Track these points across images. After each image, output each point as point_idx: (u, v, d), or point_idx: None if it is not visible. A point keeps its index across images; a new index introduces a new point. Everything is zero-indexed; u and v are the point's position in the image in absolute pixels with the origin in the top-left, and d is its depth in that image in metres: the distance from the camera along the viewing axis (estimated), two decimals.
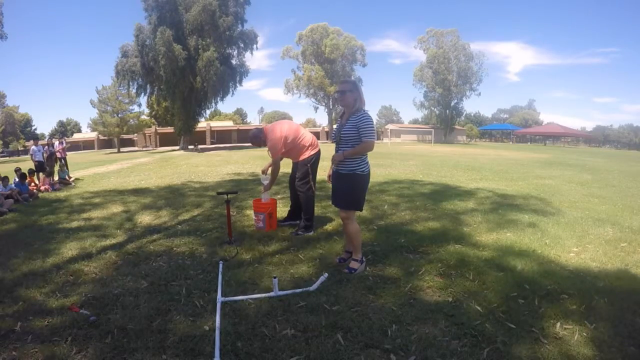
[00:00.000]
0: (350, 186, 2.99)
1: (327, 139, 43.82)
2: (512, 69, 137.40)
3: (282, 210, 4.84)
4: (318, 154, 4.15)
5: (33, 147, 11.42)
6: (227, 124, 52.08)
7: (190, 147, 31.02)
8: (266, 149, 4.11)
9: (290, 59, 43.40)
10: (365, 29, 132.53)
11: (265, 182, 4.28)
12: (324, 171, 3.69)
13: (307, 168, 4.01)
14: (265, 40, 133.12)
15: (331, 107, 42.51)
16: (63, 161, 11.57)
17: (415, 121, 69.32)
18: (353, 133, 2.90)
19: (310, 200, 4.08)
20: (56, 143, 12.44)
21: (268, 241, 3.81)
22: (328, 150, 3.42)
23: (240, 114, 72.33)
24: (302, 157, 4.06)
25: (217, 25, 28.16)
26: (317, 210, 5.14)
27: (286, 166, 4.19)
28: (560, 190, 7.30)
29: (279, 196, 6.15)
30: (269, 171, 4.24)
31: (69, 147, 13.03)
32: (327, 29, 40.51)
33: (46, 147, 11.69)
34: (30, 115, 63.85)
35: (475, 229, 4.27)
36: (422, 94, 44.60)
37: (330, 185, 3.23)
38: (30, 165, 10.72)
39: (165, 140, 41.41)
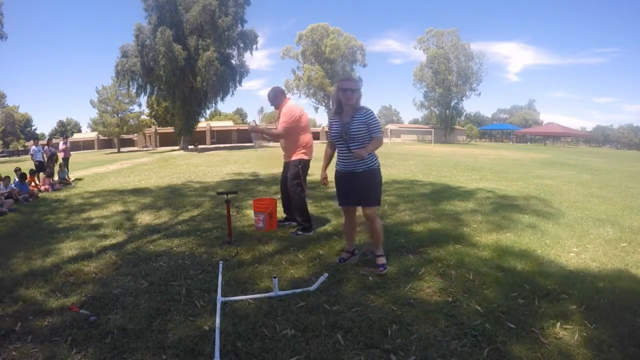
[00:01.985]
0: (373, 182, 2.98)
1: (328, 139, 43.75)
2: (512, 69, 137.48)
3: (282, 210, 4.84)
4: (309, 161, 4.15)
5: (33, 147, 11.42)
6: (227, 124, 52.09)
7: (190, 147, 31.02)
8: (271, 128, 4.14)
9: (290, 59, 43.41)
10: (365, 29, 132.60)
11: (258, 141, 4.15)
12: (317, 170, 3.64)
13: (297, 169, 4.01)
14: (265, 40, 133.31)
15: (331, 107, 42.51)
16: (65, 161, 11.56)
17: (415, 121, 69.34)
18: (363, 130, 2.89)
19: (303, 201, 4.08)
20: (60, 143, 12.45)
21: (268, 241, 3.81)
22: (324, 150, 3.39)
23: (240, 114, 72.29)
24: (294, 157, 4.04)
25: (217, 25, 28.20)
26: (317, 210, 5.15)
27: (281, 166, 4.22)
28: (560, 191, 7.30)
29: (278, 196, 6.14)
30: (265, 125, 4.23)
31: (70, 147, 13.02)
32: (328, 29, 40.51)
33: (46, 147, 11.68)
34: (30, 115, 63.94)
35: (475, 229, 4.26)
36: (422, 94, 44.60)
37: (333, 186, 3.18)
38: (31, 165, 10.72)
39: (165, 140, 41.41)
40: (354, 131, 2.90)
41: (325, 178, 3.26)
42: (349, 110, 2.95)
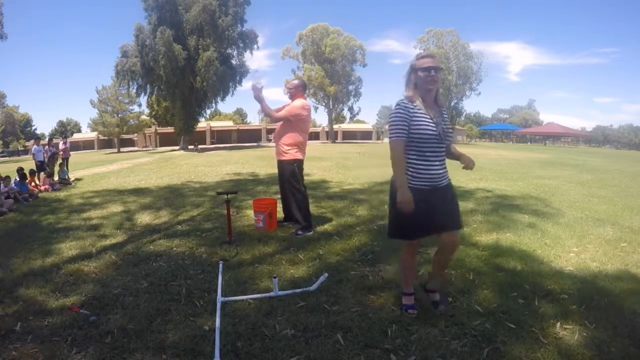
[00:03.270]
0: (456, 197, 2.32)
1: (328, 139, 43.76)
2: (512, 69, 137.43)
3: (282, 210, 4.84)
4: (303, 160, 4.17)
5: (35, 146, 11.41)
6: (227, 124, 52.11)
7: (190, 147, 31.02)
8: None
9: (290, 59, 43.31)
10: (365, 29, 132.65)
11: (258, 82, 3.97)
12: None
13: (293, 167, 4.03)
14: (266, 40, 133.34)
15: (331, 106, 42.46)
16: (65, 161, 11.56)
17: None
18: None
19: (305, 200, 4.09)
20: (60, 143, 12.44)
21: (268, 241, 3.81)
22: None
23: (240, 114, 72.32)
24: (288, 157, 4.03)
25: (217, 25, 28.18)
26: (316, 210, 5.15)
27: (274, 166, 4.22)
28: (560, 190, 7.29)
29: (278, 196, 6.14)
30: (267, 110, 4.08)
31: (69, 147, 13.02)
32: (328, 29, 40.45)
33: (46, 147, 11.67)
34: (30, 115, 63.77)
35: (475, 229, 4.26)
36: None
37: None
38: (31, 165, 10.71)
39: (165, 140, 41.40)
40: (449, 132, 2.24)
41: (403, 199, 2.12)
42: (430, 99, 2.22)
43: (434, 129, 2.14)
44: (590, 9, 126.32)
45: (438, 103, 2.26)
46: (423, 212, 2.13)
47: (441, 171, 2.22)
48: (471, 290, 2.65)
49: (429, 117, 2.15)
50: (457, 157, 2.33)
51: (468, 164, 2.24)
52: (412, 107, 2.16)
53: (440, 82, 2.23)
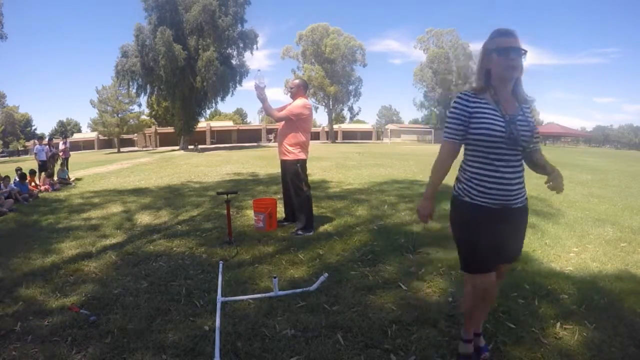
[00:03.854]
0: (526, 221, 1.90)
1: (328, 139, 43.79)
2: None
3: (282, 210, 4.84)
4: (306, 160, 4.17)
5: (37, 146, 11.40)
6: (227, 124, 52.19)
7: (190, 147, 31.05)
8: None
9: (290, 59, 43.42)
10: (365, 29, 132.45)
11: (261, 82, 3.92)
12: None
13: (297, 168, 4.03)
14: (266, 40, 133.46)
15: (331, 106, 42.46)
16: (66, 161, 11.55)
17: (415, 121, 69.18)
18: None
19: (307, 200, 4.09)
20: (60, 143, 12.43)
21: (268, 241, 3.81)
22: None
23: (240, 114, 72.34)
24: (291, 157, 4.04)
25: (217, 25, 28.23)
26: (316, 211, 5.14)
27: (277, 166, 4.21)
28: None
29: (278, 196, 6.15)
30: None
31: (69, 147, 13.00)
32: (328, 29, 40.51)
33: (46, 147, 11.66)
34: (30, 115, 63.89)
35: None
36: (422, 94, 44.71)
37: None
38: (32, 164, 10.70)
39: (165, 140, 41.45)
40: (526, 135, 1.67)
41: (433, 211, 1.83)
42: (506, 91, 1.69)
43: (502, 128, 1.60)
44: (590, 9, 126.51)
45: (518, 97, 1.70)
46: (492, 236, 1.68)
47: (515, 187, 1.71)
48: None
49: (498, 113, 1.63)
50: (542, 169, 1.75)
51: (557, 184, 1.65)
52: (474, 100, 1.67)
53: (521, 70, 1.66)
